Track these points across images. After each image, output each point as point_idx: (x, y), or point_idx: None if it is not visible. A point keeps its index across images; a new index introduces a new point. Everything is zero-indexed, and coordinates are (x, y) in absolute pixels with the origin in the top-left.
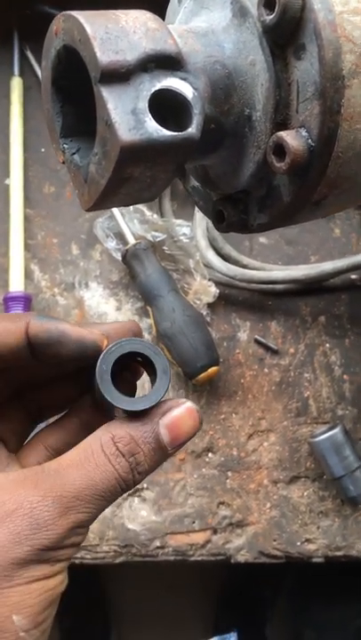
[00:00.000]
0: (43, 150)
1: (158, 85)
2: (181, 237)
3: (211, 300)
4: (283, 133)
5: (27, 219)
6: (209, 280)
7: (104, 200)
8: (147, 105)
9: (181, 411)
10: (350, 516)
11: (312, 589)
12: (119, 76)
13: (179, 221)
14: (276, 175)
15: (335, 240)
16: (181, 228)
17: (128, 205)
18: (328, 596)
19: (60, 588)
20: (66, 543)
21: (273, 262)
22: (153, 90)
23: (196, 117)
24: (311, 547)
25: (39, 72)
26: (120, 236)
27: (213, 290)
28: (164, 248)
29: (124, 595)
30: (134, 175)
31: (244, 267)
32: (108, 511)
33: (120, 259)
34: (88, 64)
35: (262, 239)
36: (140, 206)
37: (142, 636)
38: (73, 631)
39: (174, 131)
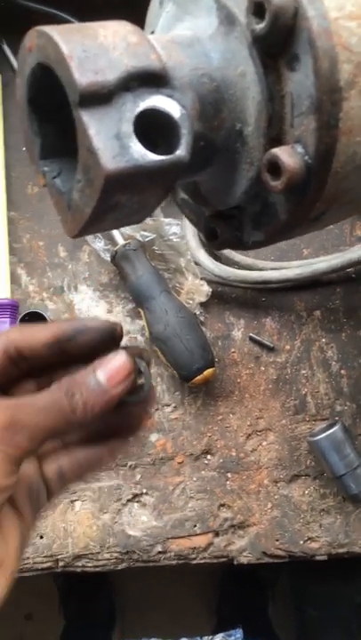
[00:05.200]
0: (24, 149)
1: (142, 105)
2: (171, 237)
3: (204, 299)
4: (277, 150)
5: (10, 221)
6: (201, 279)
7: (90, 227)
8: (131, 128)
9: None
10: (352, 513)
11: (313, 568)
12: (100, 97)
13: (168, 220)
14: (271, 192)
15: (328, 232)
16: (171, 227)
17: (116, 229)
18: (329, 574)
19: None
20: None
21: (265, 257)
22: (137, 111)
23: (185, 137)
24: (314, 545)
25: (17, 66)
26: (108, 237)
27: (206, 289)
28: (154, 248)
29: (127, 579)
30: (121, 202)
31: (236, 264)
32: (107, 518)
33: (109, 259)
34: (66, 86)
35: None
36: None
37: (146, 618)
38: (77, 618)
39: (162, 153)
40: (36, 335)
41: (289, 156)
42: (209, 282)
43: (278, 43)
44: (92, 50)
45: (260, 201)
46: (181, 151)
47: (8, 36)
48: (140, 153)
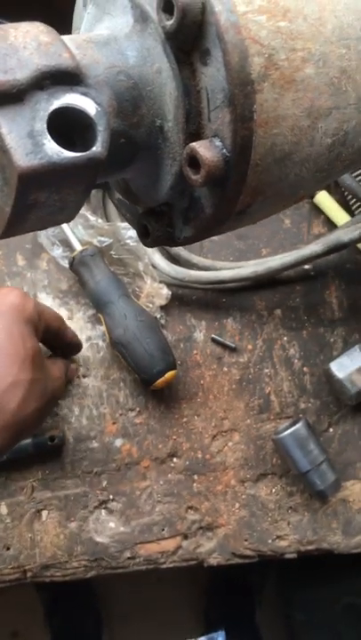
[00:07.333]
0: None
1: (56, 103)
2: (128, 241)
3: (163, 302)
4: (195, 144)
5: None
6: (160, 282)
7: (13, 228)
8: (45, 126)
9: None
10: (319, 510)
11: (298, 572)
12: (11, 96)
13: (124, 224)
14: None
15: (286, 231)
16: (127, 231)
17: (43, 229)
18: (314, 577)
19: None
20: None
21: (224, 258)
22: (51, 109)
23: (101, 134)
24: (283, 543)
25: None
26: (66, 243)
27: (165, 292)
28: (112, 252)
29: (113, 588)
30: (40, 200)
31: (194, 265)
32: (74, 526)
33: (68, 266)
34: None
35: None
36: (84, 211)
37: (134, 629)
38: (64, 632)
39: (80, 150)
40: (62, 324)
41: (206, 149)
42: (169, 285)
43: (189, 38)
44: (2, 50)
45: (187, 196)
46: (97, 147)
47: None
48: (55, 150)
